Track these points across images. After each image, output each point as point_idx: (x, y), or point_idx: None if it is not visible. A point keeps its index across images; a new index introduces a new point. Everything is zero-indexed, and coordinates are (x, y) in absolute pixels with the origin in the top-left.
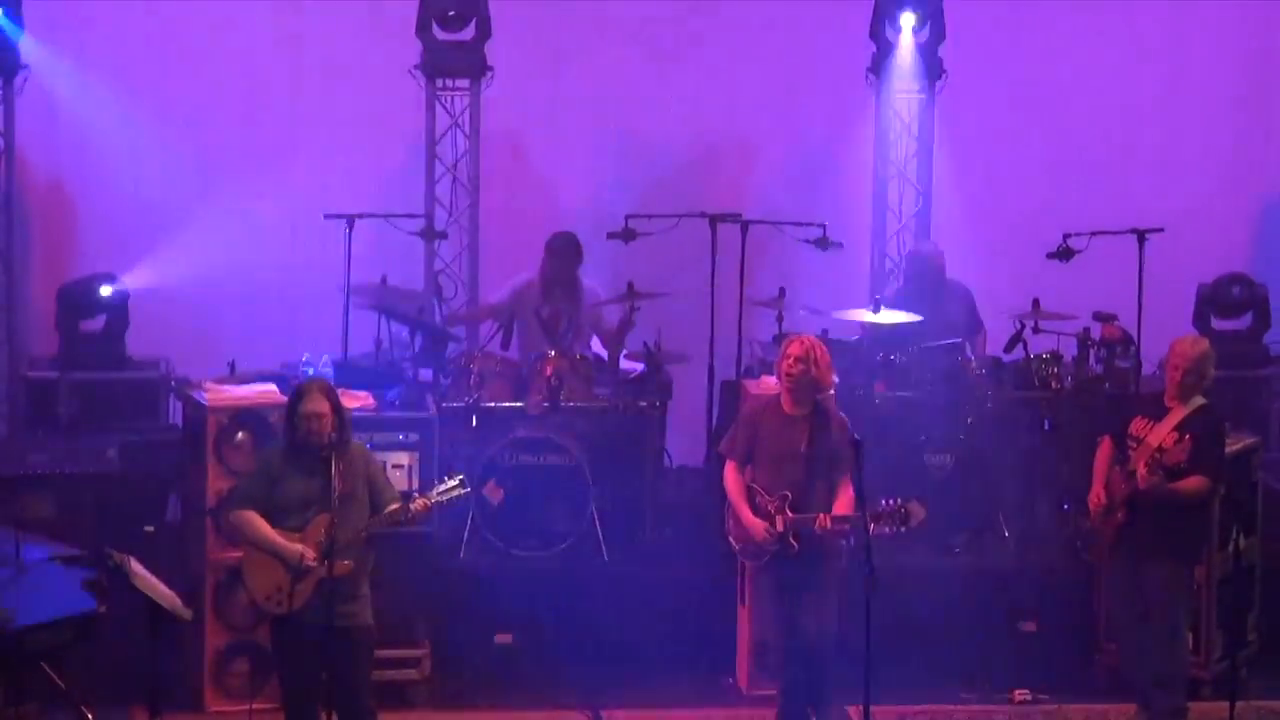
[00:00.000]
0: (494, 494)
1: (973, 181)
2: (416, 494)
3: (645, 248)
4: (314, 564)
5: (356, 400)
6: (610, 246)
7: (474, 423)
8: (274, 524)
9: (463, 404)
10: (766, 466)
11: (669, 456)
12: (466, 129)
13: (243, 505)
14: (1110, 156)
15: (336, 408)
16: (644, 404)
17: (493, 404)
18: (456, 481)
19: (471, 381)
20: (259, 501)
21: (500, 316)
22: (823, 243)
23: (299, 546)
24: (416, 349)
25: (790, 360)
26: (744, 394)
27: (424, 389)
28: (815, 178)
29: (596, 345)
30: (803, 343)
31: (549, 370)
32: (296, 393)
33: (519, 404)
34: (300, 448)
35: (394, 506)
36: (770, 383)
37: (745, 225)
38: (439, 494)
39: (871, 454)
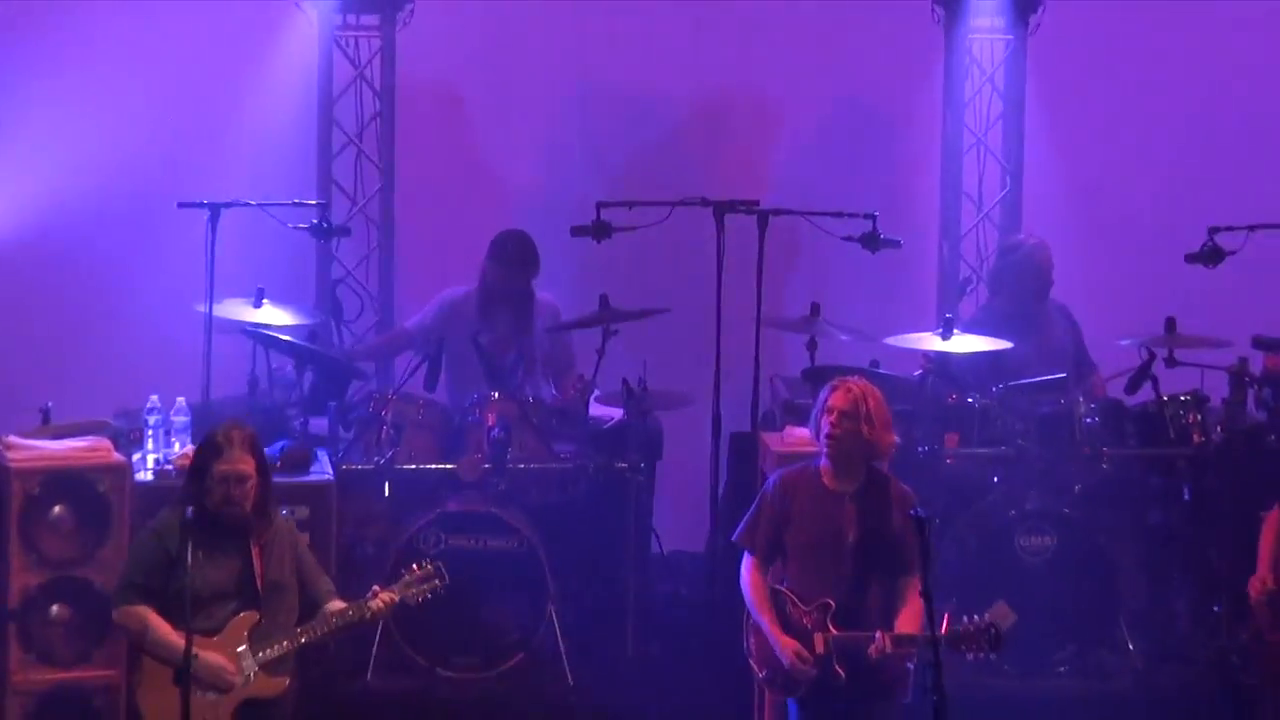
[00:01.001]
0: None
1: (1079, 155)
2: (376, 588)
3: (625, 248)
4: (235, 681)
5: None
6: (576, 247)
7: (386, 491)
8: (178, 624)
9: (371, 465)
10: (801, 563)
11: (658, 539)
12: (376, 84)
13: (132, 599)
14: (1271, 125)
15: (262, 467)
16: (623, 465)
17: (413, 465)
18: (431, 570)
19: (383, 434)
20: (154, 594)
21: (423, 345)
22: (872, 240)
23: (215, 657)
24: (306, 389)
25: (833, 416)
26: (763, 452)
27: (317, 445)
28: (862, 151)
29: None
30: (849, 390)
31: (491, 419)
32: (210, 444)
33: (449, 465)
34: (210, 520)
35: (338, 605)
36: (799, 436)
37: (764, 217)
38: (409, 588)
39: (940, 536)
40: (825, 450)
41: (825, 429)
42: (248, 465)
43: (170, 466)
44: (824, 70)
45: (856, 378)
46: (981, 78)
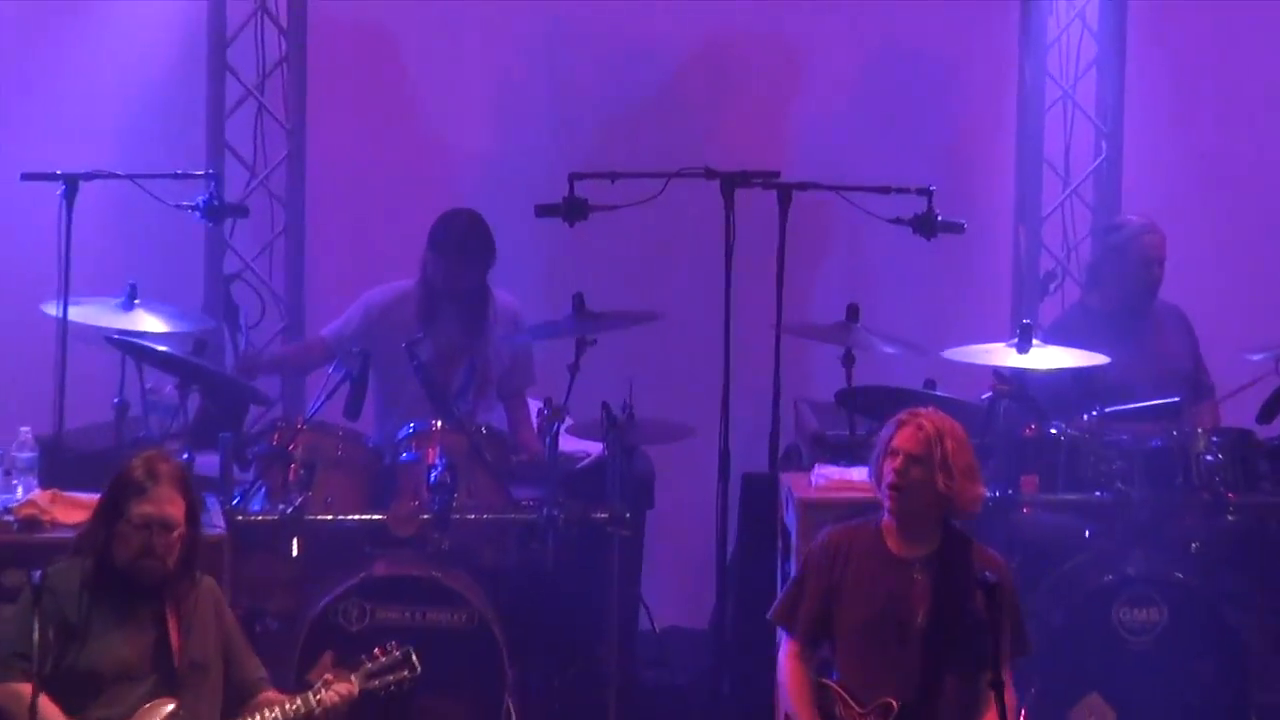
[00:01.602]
0: None
1: (1196, 114)
2: (328, 676)
3: (606, 234)
4: None
5: (82, 508)
6: (543, 232)
7: (295, 549)
8: (72, 710)
9: (275, 515)
10: (856, 649)
11: (648, 613)
12: (283, 19)
13: (9, 675)
14: None
15: (193, 512)
16: (602, 516)
17: (330, 515)
18: (399, 656)
19: (291, 475)
20: (40, 671)
21: (344, 359)
22: (926, 223)
23: None
24: (191, 417)
25: (899, 461)
26: (785, 499)
27: (205, 489)
28: (913, 110)
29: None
30: (921, 428)
31: (432, 455)
32: (127, 480)
33: (377, 516)
34: (119, 578)
35: (274, 695)
36: (834, 479)
37: (786, 193)
38: (372, 679)
39: (1016, 606)
40: (887, 503)
41: (888, 477)
42: (176, 509)
43: (11, 518)
44: (862, 6)
45: (931, 410)
46: (1070, 13)
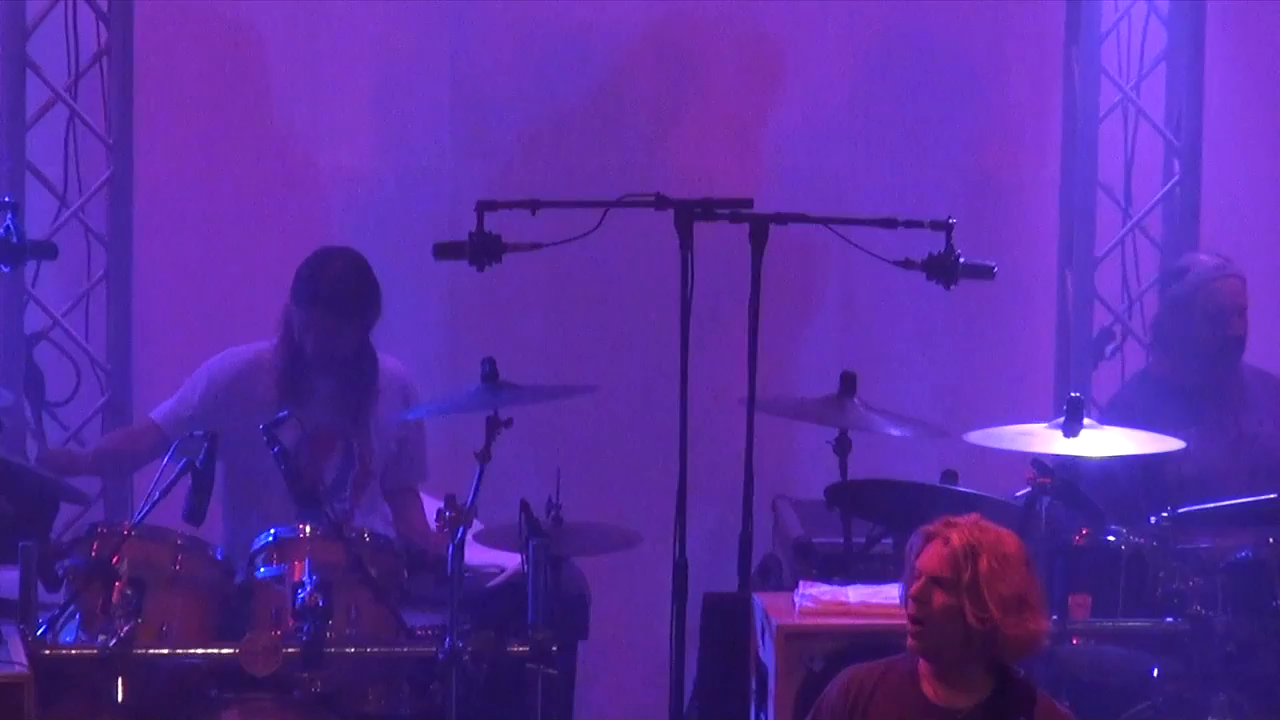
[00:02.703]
0: None
1: None
2: None
3: (525, 281)
4: None
5: None
6: (442, 278)
7: (120, 694)
8: None
9: (94, 649)
10: None
11: None
12: (105, 5)
13: None
14: None
15: None
16: (520, 649)
17: (164, 649)
18: None
19: (116, 597)
20: None
21: (183, 446)
22: (943, 266)
23: None
24: None
25: (919, 585)
26: (760, 626)
27: (0, 613)
28: (926, 121)
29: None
30: (948, 541)
31: (299, 569)
32: None
33: (227, 650)
34: None
35: None
36: (824, 600)
37: (761, 226)
38: None
39: None
40: (908, 639)
41: (908, 606)
42: None
43: None
44: None
45: (971, 519)
46: None
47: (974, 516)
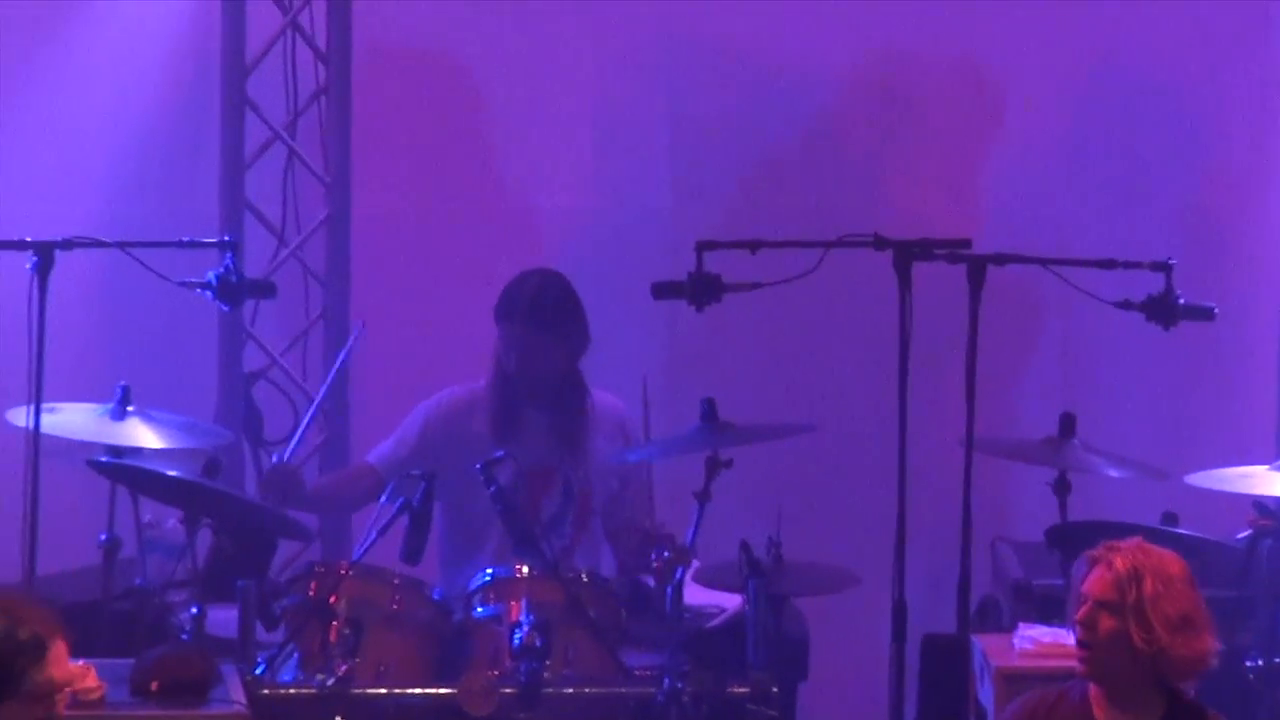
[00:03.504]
0: None
1: None
2: None
3: (743, 320)
4: None
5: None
6: (661, 317)
7: None
8: None
9: (312, 689)
10: None
11: None
12: (320, 40)
13: None
14: None
15: None
16: (740, 691)
17: (382, 690)
18: None
19: (332, 637)
20: None
21: (400, 487)
22: (1163, 307)
23: None
24: (199, 559)
25: (1085, 610)
26: (979, 669)
27: (219, 654)
28: (1144, 154)
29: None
30: (1112, 566)
31: (517, 609)
32: (27, 641)
33: (444, 690)
34: None
35: None
36: (1044, 643)
37: (979, 267)
38: None
39: None
40: (1081, 662)
41: (1076, 630)
42: (71, 669)
43: None
44: (1078, 16)
45: (1134, 542)
46: None
47: (1137, 539)
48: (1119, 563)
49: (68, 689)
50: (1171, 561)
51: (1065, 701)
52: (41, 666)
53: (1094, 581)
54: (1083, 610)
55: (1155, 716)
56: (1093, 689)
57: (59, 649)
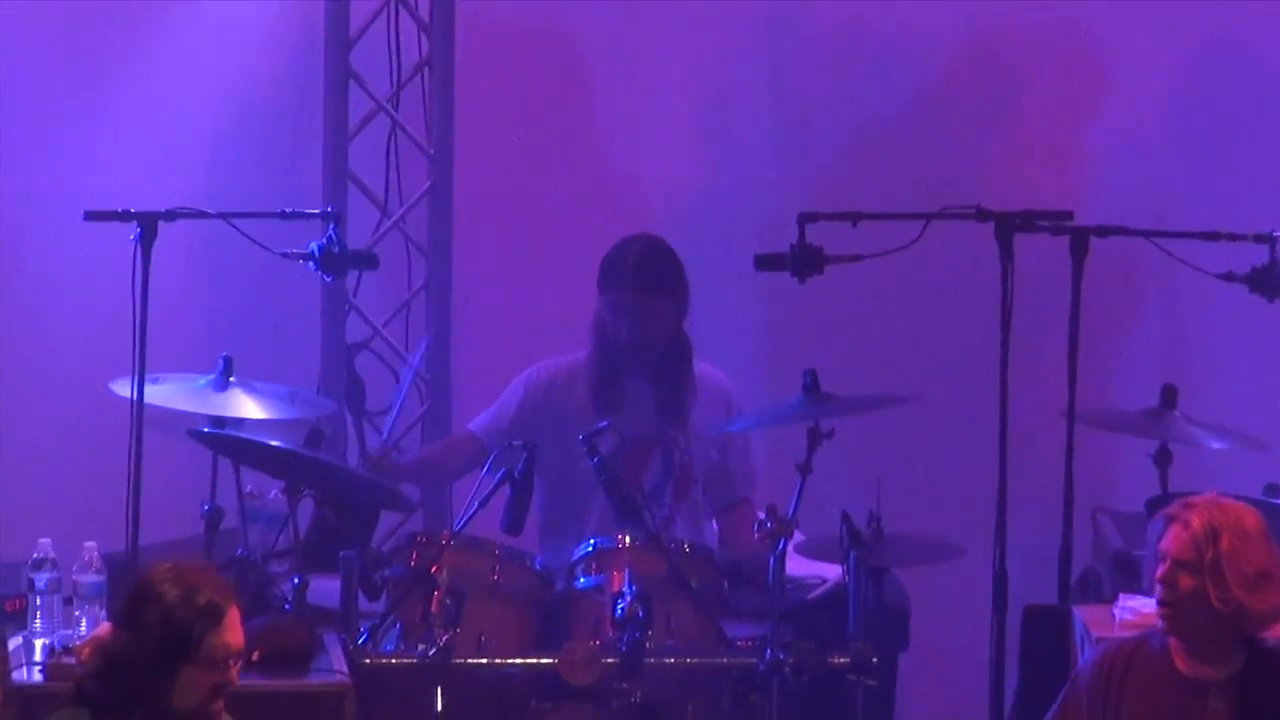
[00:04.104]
0: None
1: None
2: None
3: (845, 291)
4: None
5: None
6: (763, 288)
7: (439, 702)
8: None
9: (414, 659)
10: None
11: None
12: (424, 12)
13: None
14: None
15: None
16: (842, 661)
17: (483, 660)
18: None
19: (435, 606)
20: None
21: (502, 457)
22: (1267, 279)
23: None
24: (304, 530)
25: (1165, 568)
26: (1079, 638)
27: (322, 623)
28: (1250, 127)
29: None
30: (1188, 525)
31: (619, 579)
32: (205, 607)
33: (546, 660)
34: None
35: None
36: (1143, 612)
37: (1081, 239)
38: None
39: None
40: (1162, 614)
41: (1156, 589)
42: (241, 637)
43: (73, 659)
44: None
45: (1208, 498)
46: None
47: (1211, 495)
48: (1195, 521)
49: (237, 660)
50: (1248, 515)
51: (1144, 650)
52: (218, 632)
53: (1171, 540)
54: (1162, 569)
55: (1235, 666)
56: (1173, 641)
57: (233, 616)
